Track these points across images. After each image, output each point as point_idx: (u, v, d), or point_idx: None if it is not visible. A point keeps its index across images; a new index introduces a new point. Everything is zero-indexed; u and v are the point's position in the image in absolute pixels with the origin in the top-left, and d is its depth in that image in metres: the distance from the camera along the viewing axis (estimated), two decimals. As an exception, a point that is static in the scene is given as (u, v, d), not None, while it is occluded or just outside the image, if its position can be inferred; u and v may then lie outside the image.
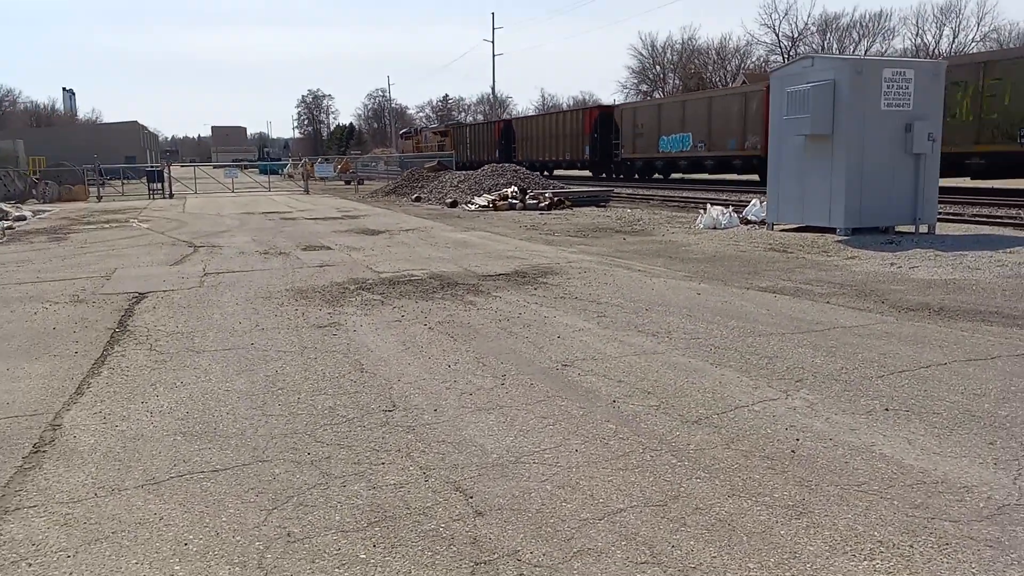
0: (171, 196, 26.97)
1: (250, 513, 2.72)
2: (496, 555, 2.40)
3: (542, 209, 17.54)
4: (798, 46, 63.33)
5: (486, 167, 22.50)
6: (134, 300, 7.04)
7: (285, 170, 48.42)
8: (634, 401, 3.86)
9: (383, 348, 5.03)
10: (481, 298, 6.77)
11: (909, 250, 8.86)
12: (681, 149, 29.14)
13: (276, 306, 6.56)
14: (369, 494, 2.85)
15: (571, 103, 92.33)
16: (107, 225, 15.65)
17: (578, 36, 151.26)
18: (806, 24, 66.25)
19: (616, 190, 23.34)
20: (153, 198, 26.51)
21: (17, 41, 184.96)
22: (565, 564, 2.34)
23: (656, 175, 32.21)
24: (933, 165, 10.34)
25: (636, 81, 77.91)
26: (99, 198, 26.11)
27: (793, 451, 3.18)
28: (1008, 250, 8.66)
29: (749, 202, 13.30)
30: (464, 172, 23.96)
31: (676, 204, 19.13)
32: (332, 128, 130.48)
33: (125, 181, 34.01)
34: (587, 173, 36.87)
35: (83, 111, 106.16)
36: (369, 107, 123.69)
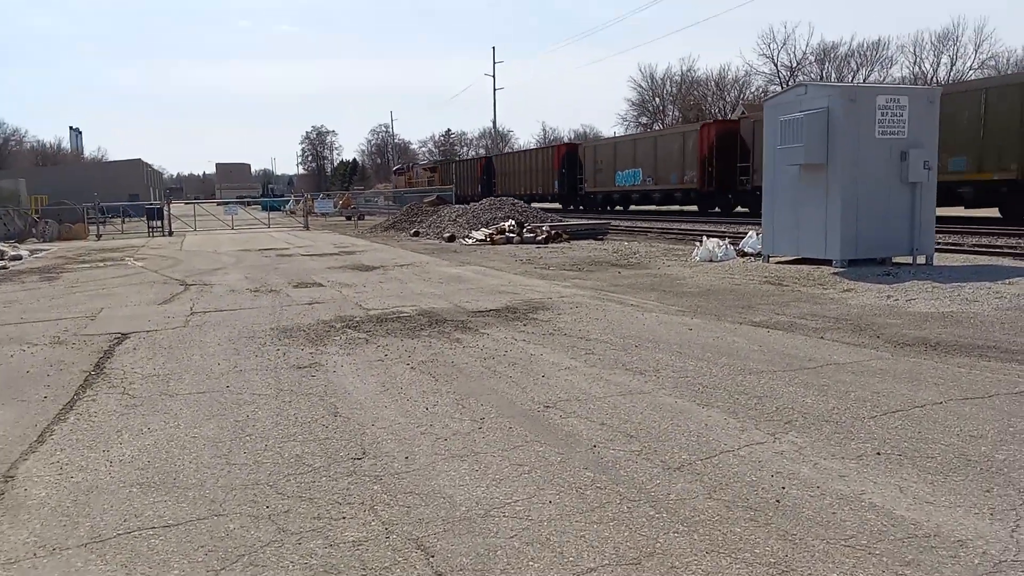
0: (170, 234, 27.00)
1: (195, 575, 2.55)
2: (452, 623, 2.23)
3: (539, 242, 17.46)
4: (796, 75, 63.78)
5: (484, 201, 22.51)
6: (115, 341, 6.91)
7: (287, 206, 48.64)
8: (615, 446, 3.70)
9: (361, 390, 4.88)
10: (468, 335, 6.63)
11: (906, 282, 8.71)
12: (633, 183, 32.72)
13: (258, 346, 6.43)
14: (325, 552, 2.68)
15: (572, 136, 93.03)
16: (101, 264, 15.59)
17: (578, 69, 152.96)
18: (804, 54, 66.80)
19: (614, 223, 23.32)
20: (152, 236, 26.54)
21: (25, 81, 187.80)
22: (525, 633, 2.17)
23: (617, 207, 35.86)
24: (930, 194, 10.22)
25: (636, 113, 78.51)
26: (98, 236, 26.15)
27: (778, 500, 3.01)
28: (1007, 281, 8.50)
29: (746, 234, 13.20)
30: (462, 206, 23.95)
31: (673, 236, 19.05)
32: (336, 164, 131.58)
33: (126, 219, 34.19)
34: (558, 205, 39.25)
35: (89, 149, 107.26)
36: (372, 142, 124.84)
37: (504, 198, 23.36)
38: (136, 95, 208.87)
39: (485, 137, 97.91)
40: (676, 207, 30.96)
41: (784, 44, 68.31)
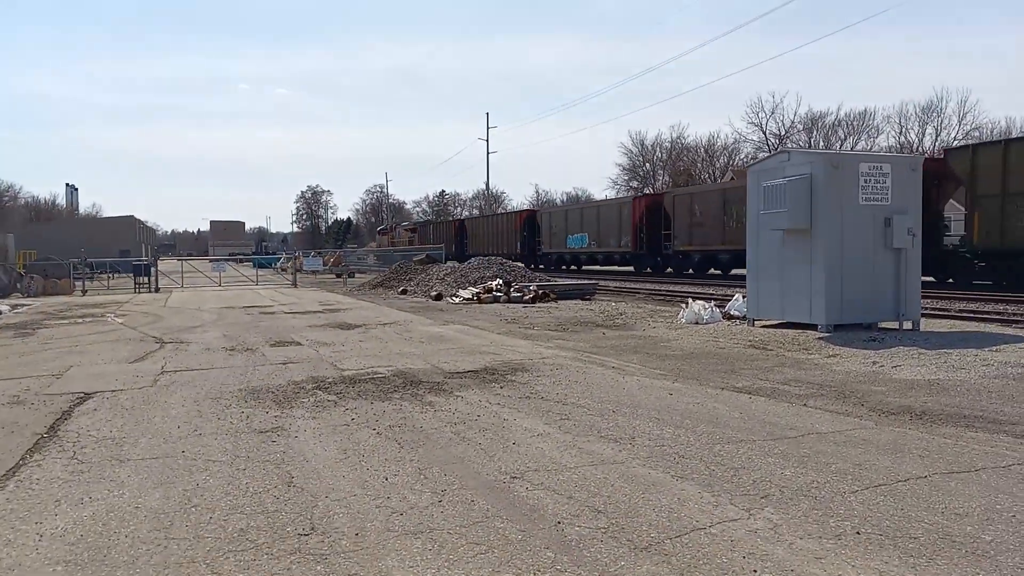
0: (157, 290, 26.80)
1: (104, 670, 2.31)
2: None
3: (526, 302, 17.35)
4: (785, 143, 64.86)
5: (473, 260, 22.52)
6: (77, 401, 6.66)
7: (278, 264, 48.59)
8: (581, 522, 3.48)
9: (321, 457, 4.65)
10: (442, 398, 6.42)
11: (892, 347, 8.57)
12: (582, 246, 37.50)
13: (223, 408, 6.19)
14: (251, 644, 2.45)
15: (564, 199, 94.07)
16: (80, 320, 15.35)
17: (570, 135, 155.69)
18: (792, 122, 68.13)
19: (602, 283, 23.28)
20: (138, 292, 26.33)
21: (21, 138, 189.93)
22: None
23: (572, 266, 39.82)
24: (915, 260, 10.18)
25: (627, 178, 79.53)
26: (84, 292, 25.92)
27: (749, 586, 2.79)
28: (994, 348, 8.38)
29: (732, 296, 13.12)
30: (451, 264, 23.95)
31: (661, 298, 18.98)
32: (330, 222, 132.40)
33: (115, 275, 34.02)
34: (520, 264, 41.91)
35: (84, 206, 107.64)
36: (367, 202, 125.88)
37: (492, 258, 23.44)
38: (133, 154, 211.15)
39: (479, 198, 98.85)
40: (616, 267, 36.22)
41: (772, 113, 69.63)
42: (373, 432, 5.26)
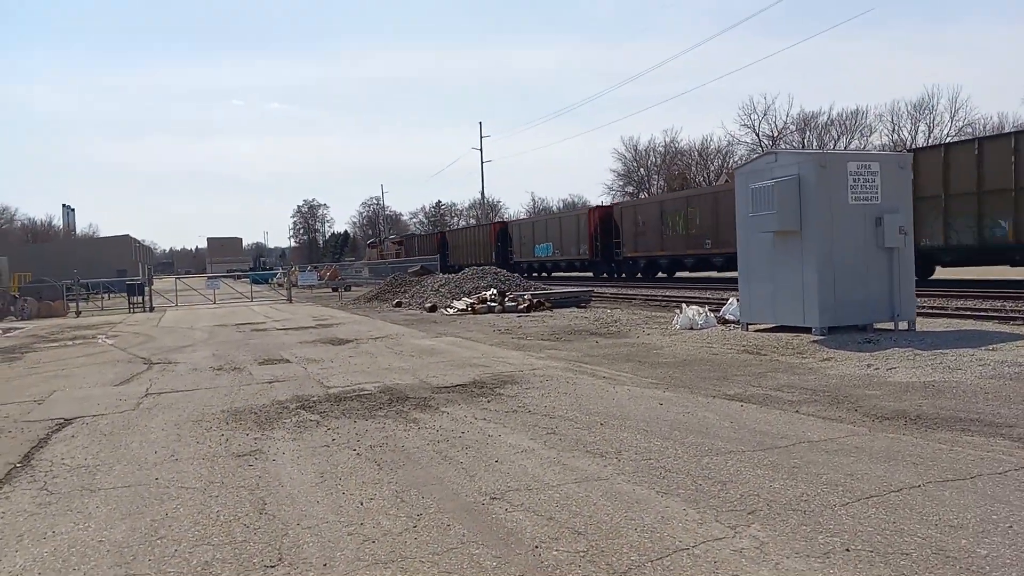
0: (151, 309, 26.65)
1: None
2: None
3: (521, 311, 17.21)
4: (779, 143, 64.85)
5: (467, 270, 22.40)
6: (56, 428, 6.52)
7: (275, 279, 48.44)
8: (560, 545, 3.34)
9: (297, 481, 4.51)
10: (427, 414, 6.28)
11: (887, 349, 8.43)
12: (547, 255, 40.65)
13: (203, 431, 6.05)
14: None
15: (560, 205, 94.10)
16: (70, 343, 15.21)
17: (563, 142, 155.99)
18: (785, 123, 68.16)
19: (597, 290, 23.16)
20: (132, 312, 26.18)
21: (17, 160, 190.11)
22: None
23: (542, 273, 41.51)
24: (907, 259, 10.05)
25: (622, 183, 79.54)
26: (78, 313, 25.77)
27: (731, 612, 2.65)
28: (990, 347, 8.25)
29: (727, 300, 12.99)
30: (446, 276, 23.80)
31: (657, 304, 18.85)
32: (328, 236, 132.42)
33: (109, 295, 33.90)
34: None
35: (81, 226, 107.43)
36: (364, 214, 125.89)
37: (486, 268, 23.38)
38: (128, 172, 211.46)
39: (475, 207, 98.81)
40: (576, 273, 39.52)
41: (765, 114, 69.65)
42: (353, 453, 5.12)
